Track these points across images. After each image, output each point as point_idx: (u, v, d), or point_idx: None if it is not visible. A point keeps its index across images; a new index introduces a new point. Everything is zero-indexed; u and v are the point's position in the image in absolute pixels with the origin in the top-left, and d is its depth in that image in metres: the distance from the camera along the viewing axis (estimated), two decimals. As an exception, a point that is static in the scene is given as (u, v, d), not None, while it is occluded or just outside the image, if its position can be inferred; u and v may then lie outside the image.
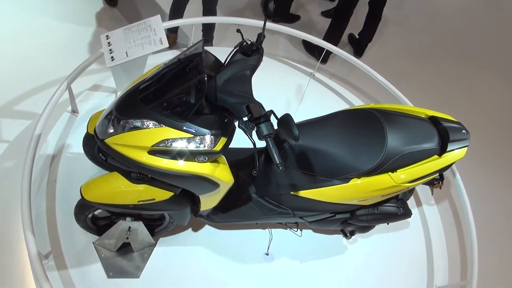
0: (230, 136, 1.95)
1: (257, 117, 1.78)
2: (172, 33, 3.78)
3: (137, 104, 1.90)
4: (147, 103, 1.88)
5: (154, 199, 2.13)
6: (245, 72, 2.03)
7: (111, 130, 1.90)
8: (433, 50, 5.16)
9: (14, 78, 3.19)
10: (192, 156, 1.87)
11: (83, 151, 2.51)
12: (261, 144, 1.96)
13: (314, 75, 3.93)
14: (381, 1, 4.18)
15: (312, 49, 4.37)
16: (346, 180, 2.29)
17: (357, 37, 4.62)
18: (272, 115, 1.84)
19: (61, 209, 2.55)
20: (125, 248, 2.51)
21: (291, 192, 2.42)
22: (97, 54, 2.70)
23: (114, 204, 2.13)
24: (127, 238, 2.39)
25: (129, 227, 2.33)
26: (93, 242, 2.47)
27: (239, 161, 2.67)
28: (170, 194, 2.14)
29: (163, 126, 1.84)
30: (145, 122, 1.85)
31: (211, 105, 1.95)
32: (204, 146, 1.86)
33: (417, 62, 4.87)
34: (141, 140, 1.85)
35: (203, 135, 1.85)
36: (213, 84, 1.96)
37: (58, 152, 2.76)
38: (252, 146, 1.82)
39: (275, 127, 1.82)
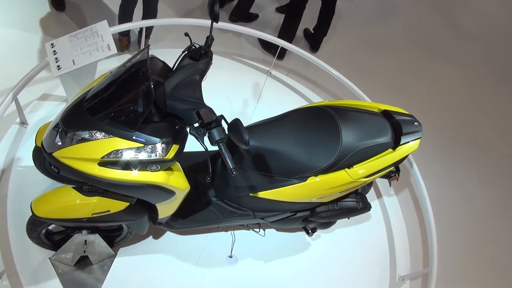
0: (182, 143, 1.91)
1: (208, 123, 1.76)
2: (124, 36, 3.68)
3: (83, 115, 1.84)
4: (94, 113, 1.83)
5: (109, 211, 2.08)
6: (194, 77, 2.00)
7: (59, 143, 1.84)
8: (387, 41, 5.23)
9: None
10: (144, 165, 1.83)
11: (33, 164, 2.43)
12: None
13: (270, 72, 3.92)
14: None
15: (268, 46, 4.36)
16: (304, 179, 2.30)
17: (312, 31, 4.64)
18: (222, 120, 1.82)
19: (13, 226, 2.46)
20: (83, 261, 2.44)
21: (250, 194, 2.41)
22: (42, 64, 2.60)
23: (67, 219, 2.07)
24: (84, 251, 2.33)
25: (85, 240, 2.27)
26: (49, 258, 2.39)
27: (197, 165, 2.64)
28: (126, 204, 2.09)
29: (112, 136, 1.79)
30: (93, 134, 1.80)
31: (161, 112, 1.91)
32: (156, 155, 1.82)
33: (372, 53, 4.92)
34: (90, 152, 1.79)
35: (154, 143, 1.81)
36: (161, 90, 1.92)
37: (7, 166, 2.65)
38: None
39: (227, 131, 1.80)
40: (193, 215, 2.53)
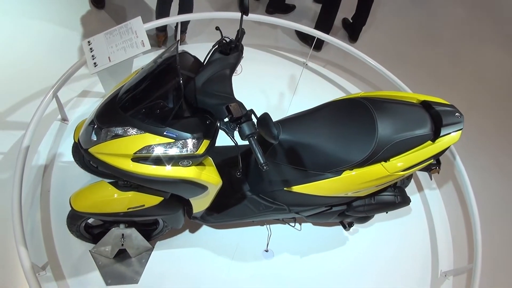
0: (213, 138, 1.91)
1: (238, 117, 1.74)
2: (161, 31, 3.73)
3: (116, 112, 1.87)
4: (126, 110, 1.85)
5: (143, 206, 2.11)
6: (225, 71, 1.98)
7: (94, 139, 1.88)
8: (429, 30, 5.04)
9: (0, 88, 3.17)
10: (175, 160, 1.84)
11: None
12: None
13: (307, 64, 3.86)
14: None
15: (305, 38, 4.30)
16: (339, 172, 2.24)
17: (351, 21, 4.53)
18: (252, 114, 1.79)
19: (55, 219, 2.55)
20: (122, 255, 2.50)
21: (285, 188, 2.38)
22: (80, 61, 2.66)
23: (104, 213, 2.12)
24: (122, 244, 2.38)
25: (123, 234, 2.32)
26: (89, 251, 2.46)
27: (231, 159, 2.64)
28: (160, 199, 2.11)
29: (144, 132, 1.81)
30: (126, 130, 1.83)
31: (192, 107, 1.91)
32: (187, 150, 1.82)
33: (413, 43, 4.76)
34: (124, 148, 1.82)
35: (185, 139, 1.81)
36: (192, 86, 1.92)
37: (50, 162, 2.75)
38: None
39: None
40: (228, 210, 2.53)
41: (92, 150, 1.88)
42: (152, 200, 2.10)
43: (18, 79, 3.20)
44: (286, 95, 3.49)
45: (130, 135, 1.82)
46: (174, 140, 1.81)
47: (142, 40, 2.52)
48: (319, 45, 4.20)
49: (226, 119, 1.80)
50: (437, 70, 4.54)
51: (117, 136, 1.84)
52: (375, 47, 4.46)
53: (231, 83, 1.97)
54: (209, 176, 1.98)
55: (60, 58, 3.40)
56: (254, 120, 1.78)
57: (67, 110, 2.96)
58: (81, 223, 2.28)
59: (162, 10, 3.47)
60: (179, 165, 1.87)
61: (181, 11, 3.50)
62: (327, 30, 4.02)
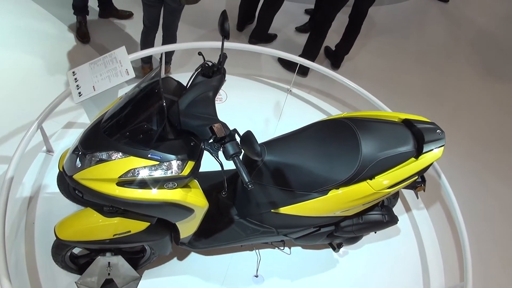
0: (198, 159, 1.92)
1: (222, 137, 1.76)
2: (146, 63, 3.78)
3: (101, 136, 1.88)
4: (110, 135, 1.86)
5: (130, 231, 2.09)
6: (207, 93, 2.01)
7: (79, 166, 1.88)
8: (410, 57, 5.19)
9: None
10: (160, 183, 1.84)
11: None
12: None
13: (291, 90, 3.93)
14: (362, 15, 4.20)
15: (289, 64, 4.39)
16: (325, 192, 2.26)
17: (334, 49, 4.64)
18: (236, 134, 1.82)
19: (40, 251, 2.50)
20: (108, 285, 2.44)
21: (272, 210, 2.38)
22: (65, 92, 2.68)
23: (90, 241, 2.09)
24: (109, 274, 2.34)
25: (109, 263, 2.28)
26: (75, 282, 2.40)
27: (217, 184, 2.63)
28: (146, 224, 2.10)
29: (128, 156, 1.82)
30: (110, 154, 1.83)
31: (176, 130, 1.93)
32: (171, 172, 1.83)
33: (394, 70, 4.89)
34: (108, 173, 1.82)
35: (169, 161, 1.82)
36: (175, 108, 1.95)
37: (34, 193, 2.72)
38: (222, 168, 1.80)
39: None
40: (216, 234, 2.51)
41: (76, 176, 1.88)
42: (138, 226, 2.09)
43: (3, 113, 3.20)
44: (272, 120, 3.53)
45: (114, 159, 1.82)
46: (158, 162, 1.81)
47: (126, 69, 2.56)
48: (305, 70, 4.29)
49: (210, 140, 1.81)
50: (417, 91, 4.65)
51: (101, 161, 1.84)
52: (357, 74, 4.57)
53: (214, 105, 2.00)
54: (195, 198, 1.97)
55: (45, 91, 3.42)
56: (238, 140, 1.80)
57: (52, 141, 2.95)
58: (66, 252, 2.24)
59: (147, 41, 3.53)
60: (165, 188, 1.86)
61: (165, 42, 3.57)
62: (313, 58, 4.12)
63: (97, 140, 1.88)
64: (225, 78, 2.17)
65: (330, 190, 2.25)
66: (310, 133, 2.40)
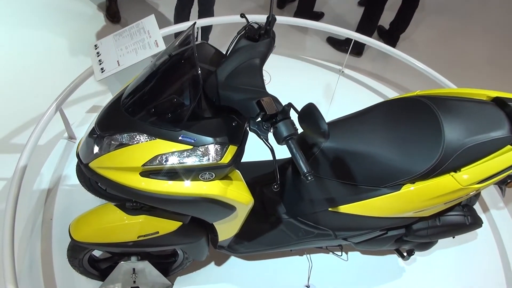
0: (241, 144, 1.51)
1: (273, 115, 1.35)
2: (180, 43, 3.41)
3: (121, 115, 1.50)
4: (133, 113, 1.48)
5: (157, 233, 1.71)
6: (253, 61, 1.60)
7: (95, 151, 1.51)
8: (473, 33, 4.60)
9: (6, 103, 2.86)
10: (195, 173, 1.45)
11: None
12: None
13: (343, 71, 3.48)
14: None
15: (340, 43, 3.93)
16: (397, 187, 1.81)
17: (388, 28, 4.14)
18: (292, 109, 1.40)
19: (58, 252, 2.17)
20: (135, 293, 2.08)
21: (329, 209, 1.96)
22: (88, 71, 2.34)
23: (110, 243, 1.72)
24: (134, 281, 1.97)
25: (134, 269, 1.91)
26: (97, 289, 2.06)
27: (263, 177, 2.23)
28: (177, 224, 1.72)
29: (155, 139, 1.43)
30: (132, 137, 1.45)
31: (214, 107, 1.52)
32: (208, 159, 1.43)
33: (458, 47, 4.32)
34: (130, 160, 1.44)
35: (205, 145, 1.42)
36: (213, 80, 1.54)
37: (53, 185, 2.39)
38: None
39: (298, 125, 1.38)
40: (261, 237, 2.10)
41: (93, 164, 1.51)
42: (168, 226, 1.71)
43: (25, 96, 2.90)
44: (323, 104, 3.09)
45: (138, 143, 1.44)
46: (192, 147, 1.42)
47: (155, 40, 2.17)
48: (359, 50, 3.83)
49: (258, 118, 1.40)
50: (488, 70, 4.06)
51: (122, 145, 1.46)
52: (416, 52, 4.03)
53: (262, 75, 1.58)
54: (238, 193, 1.57)
55: (71, 72, 3.09)
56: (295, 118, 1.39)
57: (75, 127, 2.63)
58: (84, 256, 1.88)
59: (180, 17, 3.17)
60: (200, 179, 1.47)
61: (201, 17, 3.19)
62: (370, 34, 3.66)
63: (117, 120, 1.51)
64: (275, 44, 1.75)
65: (404, 185, 1.80)
66: (378, 115, 1.95)
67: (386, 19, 4.00)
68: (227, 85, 1.51)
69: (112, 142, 1.48)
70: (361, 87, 3.41)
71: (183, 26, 2.79)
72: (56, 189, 2.37)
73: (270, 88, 1.46)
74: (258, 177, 2.22)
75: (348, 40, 3.37)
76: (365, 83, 3.45)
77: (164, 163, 1.42)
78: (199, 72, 1.36)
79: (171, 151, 1.42)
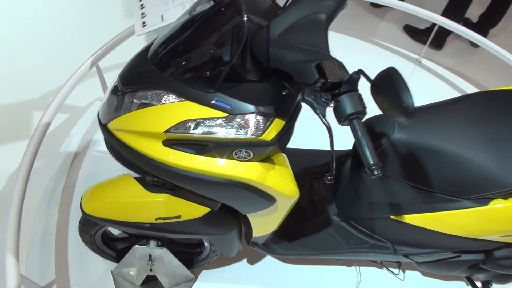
0: (290, 119, 1.18)
1: (336, 84, 1.01)
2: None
3: (148, 69, 1.21)
4: (162, 67, 1.18)
5: (179, 217, 1.42)
6: (318, 16, 1.24)
7: (115, 110, 1.23)
8: None
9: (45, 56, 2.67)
10: (228, 149, 1.14)
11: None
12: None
13: (420, 61, 3.03)
14: None
15: (419, 33, 3.47)
16: (484, 201, 1.41)
17: (476, 20, 3.62)
18: (362, 76, 1.05)
19: (75, 222, 1.92)
20: (152, 283, 1.82)
21: (392, 216, 1.59)
22: (130, 28, 2.09)
23: (122, 222, 1.45)
24: (151, 269, 1.70)
25: (150, 255, 1.64)
26: (111, 271, 1.80)
27: (315, 168, 1.89)
28: (205, 210, 1.42)
29: (183, 100, 1.13)
30: (157, 95, 1.16)
31: (261, 68, 1.20)
32: (246, 133, 1.11)
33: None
34: (152, 123, 1.15)
35: (244, 113, 1.10)
36: (264, 35, 1.21)
37: (82, 149, 2.17)
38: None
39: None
40: (304, 238, 1.77)
41: (111, 125, 1.24)
42: (193, 211, 1.42)
43: (64, 51, 2.69)
44: (395, 96, 2.68)
45: (163, 104, 1.15)
46: (227, 114, 1.10)
47: (210, -8, 1.87)
48: (440, 42, 3.36)
49: (316, 87, 1.06)
50: None
51: (145, 105, 1.17)
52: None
53: (327, 35, 1.23)
54: (280, 181, 1.24)
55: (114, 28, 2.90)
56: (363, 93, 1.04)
57: (113, 89, 2.39)
58: (96, 232, 1.63)
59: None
60: (234, 158, 1.16)
61: None
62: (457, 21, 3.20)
63: (143, 74, 1.22)
64: (347, 2, 1.38)
65: (493, 199, 1.40)
66: (469, 107, 1.55)
67: (473, 13, 3.49)
68: (280, 42, 1.18)
69: (135, 100, 1.20)
70: (440, 81, 2.95)
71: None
72: (84, 154, 2.15)
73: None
74: (308, 168, 1.89)
75: (428, 30, 2.93)
76: (445, 77, 2.99)
77: (190, 132, 1.12)
78: (245, 19, 1.04)
79: (200, 117, 1.11)
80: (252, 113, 1.10)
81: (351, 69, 1.08)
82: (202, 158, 1.16)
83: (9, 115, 2.32)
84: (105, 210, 1.45)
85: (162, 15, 1.87)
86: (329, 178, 1.05)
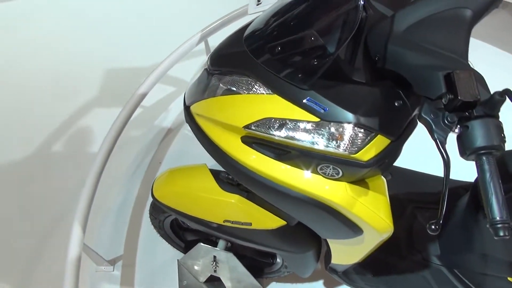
0: (399, 138, 0.93)
1: (468, 103, 0.74)
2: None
3: (240, 51, 1.03)
4: (256, 52, 1.00)
5: (250, 224, 1.25)
6: (461, 12, 0.95)
7: (201, 92, 1.09)
8: None
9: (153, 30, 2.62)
10: (314, 162, 0.93)
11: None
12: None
13: None
14: None
15: None
16: None
17: None
18: (509, 99, 0.76)
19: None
20: (216, 283, 1.68)
21: (510, 279, 1.25)
22: (245, 8, 1.95)
23: (188, 215, 1.32)
24: (215, 270, 1.56)
25: (214, 256, 1.49)
26: (178, 260, 1.70)
27: (420, 195, 1.59)
28: (280, 222, 1.24)
29: (271, 93, 0.94)
30: (248, 83, 0.99)
31: (372, 70, 0.96)
32: (337, 145, 0.89)
33: None
34: (232, 114, 0.99)
35: (340, 122, 0.88)
36: (385, 28, 0.96)
37: (176, 126, 2.09)
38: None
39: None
40: (393, 276, 1.50)
41: (193, 108, 1.10)
42: (266, 221, 1.24)
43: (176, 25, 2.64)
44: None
45: (248, 93, 0.97)
46: (319, 119, 0.89)
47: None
48: None
49: (440, 103, 0.80)
50: None
51: (229, 92, 1.01)
52: None
53: (468, 39, 0.94)
54: (372, 212, 1.00)
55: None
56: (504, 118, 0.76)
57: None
58: (165, 219, 1.53)
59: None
60: (319, 173, 0.95)
61: None
62: None
63: (234, 56, 1.06)
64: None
65: None
66: None
67: None
68: (405, 38, 0.92)
69: (221, 84, 1.04)
70: None
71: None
72: (177, 132, 2.07)
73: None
74: (414, 194, 1.59)
75: None
76: None
77: (272, 133, 0.93)
78: (361, 2, 0.81)
79: (287, 117, 0.92)
80: (349, 123, 0.87)
81: (493, 88, 0.80)
82: (284, 166, 0.96)
83: (118, 82, 2.33)
84: (173, 199, 1.33)
85: (279, -6, 1.69)
86: (433, 227, 0.79)
